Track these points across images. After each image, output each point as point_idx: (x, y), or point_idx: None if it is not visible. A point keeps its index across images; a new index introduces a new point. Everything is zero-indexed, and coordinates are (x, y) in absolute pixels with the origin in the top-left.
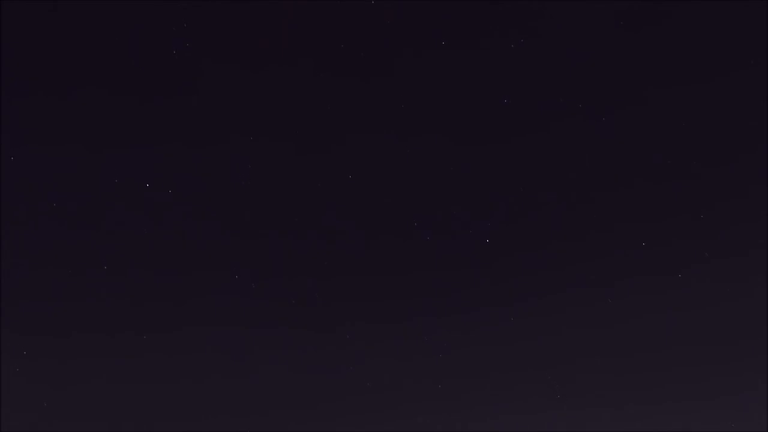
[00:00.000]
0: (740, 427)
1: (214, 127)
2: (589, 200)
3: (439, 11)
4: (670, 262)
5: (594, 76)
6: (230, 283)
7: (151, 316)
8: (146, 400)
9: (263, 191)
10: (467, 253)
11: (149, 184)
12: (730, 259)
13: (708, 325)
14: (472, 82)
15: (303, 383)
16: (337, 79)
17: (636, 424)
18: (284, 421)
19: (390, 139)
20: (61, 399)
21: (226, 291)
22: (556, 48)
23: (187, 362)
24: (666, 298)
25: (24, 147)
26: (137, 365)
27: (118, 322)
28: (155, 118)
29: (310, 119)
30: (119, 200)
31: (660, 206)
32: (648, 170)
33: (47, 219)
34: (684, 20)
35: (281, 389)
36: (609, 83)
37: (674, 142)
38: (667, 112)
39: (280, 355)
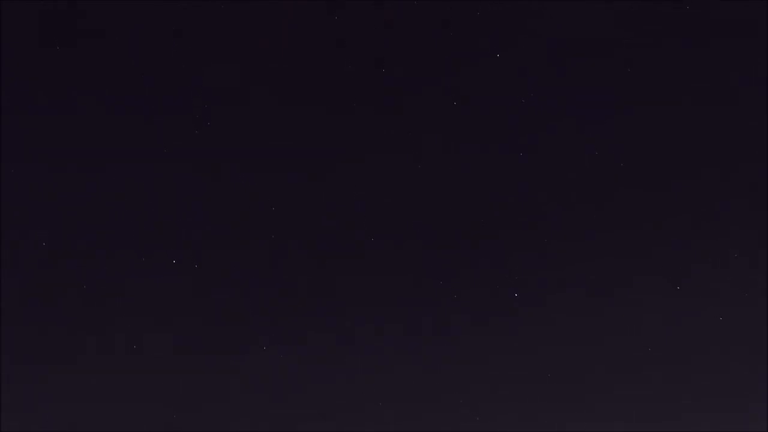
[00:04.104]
0: (740, 427)
1: (214, 125)
2: (589, 200)
3: (440, 13)
4: (669, 263)
5: (594, 77)
6: (230, 284)
7: (151, 317)
8: (146, 402)
9: (263, 192)
10: (467, 254)
11: (149, 185)
12: (730, 259)
13: (708, 325)
14: (474, 83)
15: (304, 383)
16: (338, 83)
17: (636, 425)
18: (284, 421)
19: (389, 139)
20: (61, 399)
21: (226, 291)
22: (556, 49)
23: (188, 363)
24: (666, 299)
25: (26, 149)
26: (137, 367)
27: (119, 323)
28: (155, 120)
29: (311, 121)
30: (120, 201)
31: (660, 207)
32: (648, 171)
33: (49, 221)
34: (683, 20)
35: (281, 389)
36: (609, 85)
37: (674, 142)
38: (667, 113)
39: (280, 356)
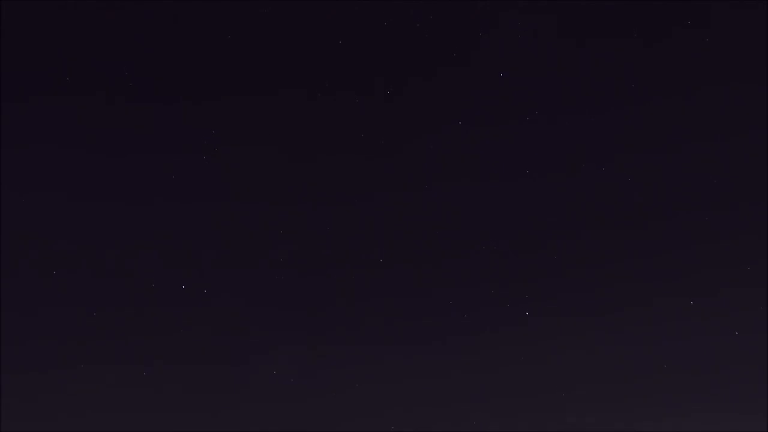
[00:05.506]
0: (740, 427)
1: (214, 124)
2: (589, 201)
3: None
4: (669, 264)
5: (592, 78)
6: (231, 286)
7: (151, 318)
8: (145, 402)
9: (265, 195)
10: (477, 271)
11: (156, 187)
12: (730, 259)
13: (708, 325)
14: (479, 92)
15: (304, 384)
16: (338, 97)
17: (636, 425)
18: (285, 421)
19: (393, 153)
20: (61, 400)
21: (228, 293)
22: (557, 53)
23: (190, 365)
24: (666, 300)
25: (27, 150)
26: (137, 368)
27: (119, 324)
28: (156, 122)
29: (312, 128)
30: (121, 203)
31: (661, 210)
32: (648, 174)
33: (55, 241)
34: (683, 21)
35: (282, 390)
36: (609, 87)
37: (674, 144)
38: (667, 116)
39: (280, 357)
